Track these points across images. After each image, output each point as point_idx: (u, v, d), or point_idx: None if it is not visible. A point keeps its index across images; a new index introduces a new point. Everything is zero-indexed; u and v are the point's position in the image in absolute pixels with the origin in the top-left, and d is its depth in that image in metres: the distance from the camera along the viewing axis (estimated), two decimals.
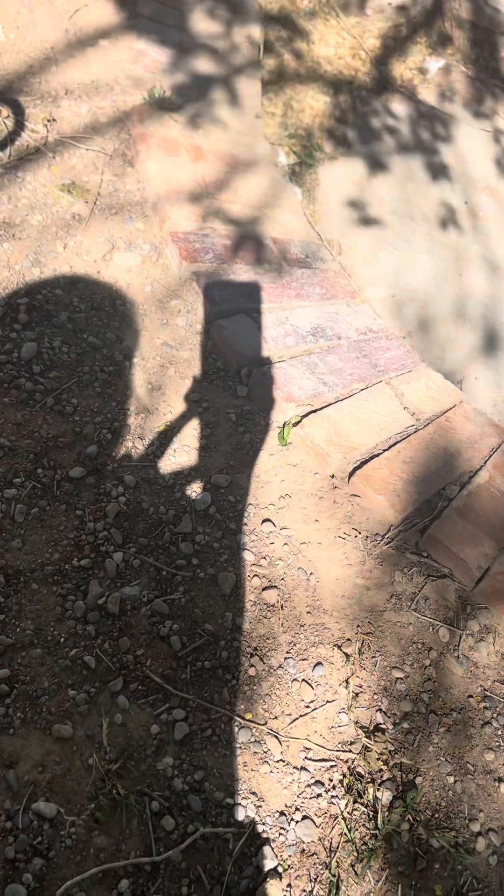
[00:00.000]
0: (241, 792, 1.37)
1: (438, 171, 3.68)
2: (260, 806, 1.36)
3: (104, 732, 1.34)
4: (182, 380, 2.08)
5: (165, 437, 1.91)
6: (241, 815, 1.34)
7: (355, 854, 1.36)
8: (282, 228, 2.74)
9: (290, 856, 1.32)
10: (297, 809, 1.38)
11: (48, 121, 2.54)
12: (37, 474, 1.69)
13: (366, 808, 1.42)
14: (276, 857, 1.31)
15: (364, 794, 1.43)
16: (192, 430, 1.96)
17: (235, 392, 2.11)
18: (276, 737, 1.46)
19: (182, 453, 1.90)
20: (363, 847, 1.37)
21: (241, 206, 2.67)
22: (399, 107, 3.91)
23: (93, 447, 1.79)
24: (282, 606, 1.67)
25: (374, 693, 1.59)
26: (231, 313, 2.26)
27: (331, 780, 1.44)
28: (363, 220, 3.17)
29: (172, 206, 2.44)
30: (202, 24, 3.34)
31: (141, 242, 2.36)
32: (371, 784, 1.45)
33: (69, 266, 2.19)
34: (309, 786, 1.42)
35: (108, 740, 1.34)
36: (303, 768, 1.44)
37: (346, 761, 1.47)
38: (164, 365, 2.09)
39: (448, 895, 1.37)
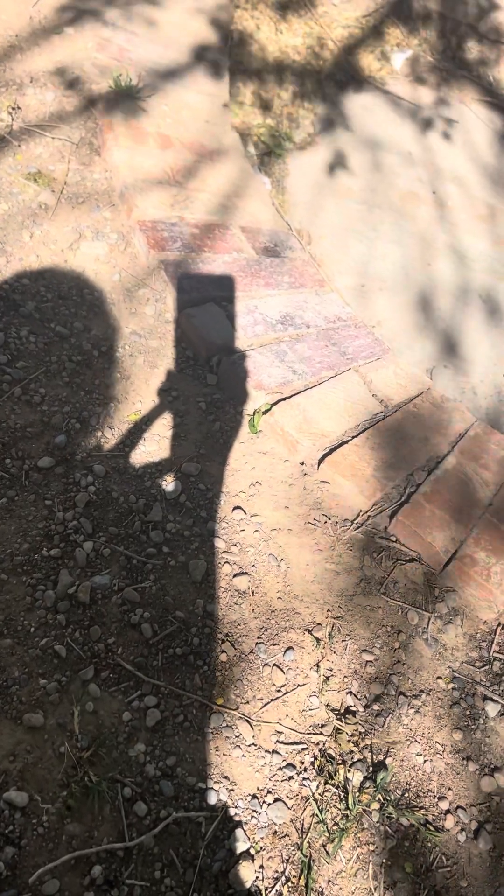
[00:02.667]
0: (213, 776, 1.38)
1: (406, 161, 3.70)
2: (232, 790, 1.37)
3: (75, 720, 1.34)
4: (151, 369, 2.07)
5: (135, 427, 1.91)
6: (213, 799, 1.35)
7: (327, 834, 1.38)
8: (251, 217, 2.74)
9: (262, 838, 1.34)
10: (268, 792, 1.39)
11: (13, 108, 2.52)
12: (5, 465, 1.68)
13: (337, 789, 1.44)
14: (249, 839, 1.33)
15: (335, 775, 1.45)
16: (161, 419, 1.96)
17: (205, 381, 2.11)
18: (248, 721, 1.47)
19: (152, 442, 1.89)
20: (334, 827, 1.39)
21: (210, 195, 2.66)
22: (367, 97, 3.92)
23: (61, 437, 1.78)
24: (252, 592, 1.68)
25: (345, 676, 1.61)
26: (200, 302, 2.25)
27: (302, 763, 1.45)
28: (332, 209, 3.17)
29: (140, 195, 2.43)
30: (170, 12, 3.32)
31: (108, 231, 2.34)
32: (342, 765, 1.47)
33: (36, 255, 2.17)
34: (281, 769, 1.43)
35: (80, 728, 1.34)
36: (274, 751, 1.45)
37: (318, 744, 1.49)
38: (133, 354, 2.08)
39: (418, 872, 1.39)
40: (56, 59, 2.79)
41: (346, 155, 3.48)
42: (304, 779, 1.43)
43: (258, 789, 1.39)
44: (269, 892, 1.28)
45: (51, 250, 2.21)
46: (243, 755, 1.42)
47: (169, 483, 1.81)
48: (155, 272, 2.30)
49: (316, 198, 3.18)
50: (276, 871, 1.31)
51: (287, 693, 1.54)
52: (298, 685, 1.56)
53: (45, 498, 1.66)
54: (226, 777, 1.38)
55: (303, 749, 1.47)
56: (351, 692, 1.59)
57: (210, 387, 2.11)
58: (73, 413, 1.85)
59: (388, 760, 1.51)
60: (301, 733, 1.49)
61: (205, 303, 2.26)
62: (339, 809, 1.41)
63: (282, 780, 1.42)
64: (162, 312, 2.23)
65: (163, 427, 1.94)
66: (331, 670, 1.61)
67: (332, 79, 3.88)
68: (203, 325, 2.16)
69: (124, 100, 2.75)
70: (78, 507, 1.67)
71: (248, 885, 1.27)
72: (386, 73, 4.19)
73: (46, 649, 1.42)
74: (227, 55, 3.38)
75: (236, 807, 1.35)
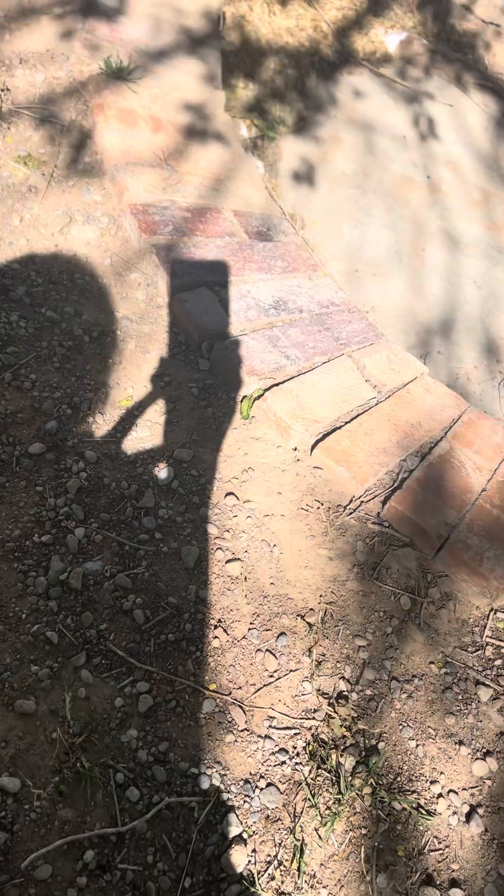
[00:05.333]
0: (205, 761, 1.38)
1: (400, 145, 3.67)
2: (225, 774, 1.37)
3: (67, 706, 1.34)
4: (143, 354, 2.06)
5: (127, 412, 1.90)
6: (205, 784, 1.35)
7: (319, 819, 1.38)
8: (243, 201, 2.72)
9: (254, 822, 1.34)
10: (261, 777, 1.40)
11: (2, 90, 2.48)
12: None
13: (329, 773, 1.44)
14: (241, 823, 1.33)
15: (327, 760, 1.45)
16: (153, 405, 1.95)
17: (197, 366, 2.10)
18: (241, 706, 1.47)
19: (144, 428, 1.88)
20: (327, 812, 1.39)
21: (202, 179, 2.64)
22: (361, 80, 3.88)
23: (52, 423, 1.77)
24: (245, 578, 1.67)
25: (337, 661, 1.61)
26: (192, 286, 2.24)
27: (295, 748, 1.45)
28: (325, 193, 3.15)
29: (131, 178, 2.40)
30: None
31: (99, 215, 2.32)
32: (334, 750, 1.47)
33: (26, 239, 2.15)
34: (273, 753, 1.43)
35: (72, 714, 1.34)
36: (267, 737, 1.45)
37: (310, 729, 1.49)
38: (125, 339, 2.07)
39: (410, 855, 1.40)
40: (46, 40, 2.75)
41: (340, 138, 3.45)
42: (296, 763, 1.43)
43: (251, 774, 1.39)
44: (262, 875, 1.28)
45: (41, 234, 2.18)
46: (236, 740, 1.43)
47: (161, 469, 1.80)
48: (146, 256, 2.28)
49: (309, 182, 3.15)
50: (269, 855, 1.31)
51: (279, 678, 1.54)
52: (291, 670, 1.56)
53: (36, 484, 1.65)
54: (218, 762, 1.39)
55: (295, 734, 1.47)
56: (343, 677, 1.59)
57: (202, 372, 2.09)
58: (64, 399, 1.84)
59: (381, 745, 1.52)
60: (293, 718, 1.50)
61: (197, 287, 2.24)
62: (332, 794, 1.41)
63: (274, 765, 1.42)
64: (154, 297, 2.21)
65: (155, 413, 1.93)
66: (323, 655, 1.61)
67: (326, 61, 3.84)
68: (195, 310, 2.15)
69: (115, 82, 2.72)
70: (69, 493, 1.66)
71: (240, 868, 1.27)
72: (380, 56, 4.15)
73: (38, 635, 1.42)
74: (220, 37, 3.34)
75: (229, 791, 1.36)
